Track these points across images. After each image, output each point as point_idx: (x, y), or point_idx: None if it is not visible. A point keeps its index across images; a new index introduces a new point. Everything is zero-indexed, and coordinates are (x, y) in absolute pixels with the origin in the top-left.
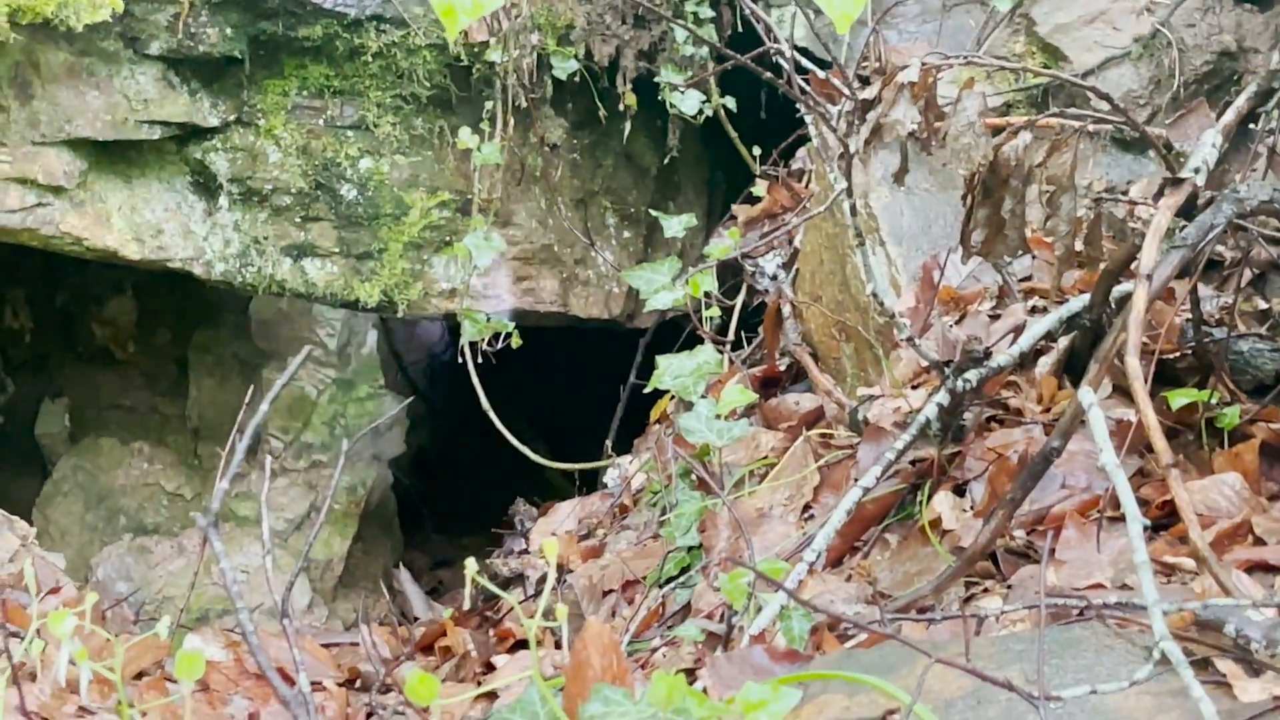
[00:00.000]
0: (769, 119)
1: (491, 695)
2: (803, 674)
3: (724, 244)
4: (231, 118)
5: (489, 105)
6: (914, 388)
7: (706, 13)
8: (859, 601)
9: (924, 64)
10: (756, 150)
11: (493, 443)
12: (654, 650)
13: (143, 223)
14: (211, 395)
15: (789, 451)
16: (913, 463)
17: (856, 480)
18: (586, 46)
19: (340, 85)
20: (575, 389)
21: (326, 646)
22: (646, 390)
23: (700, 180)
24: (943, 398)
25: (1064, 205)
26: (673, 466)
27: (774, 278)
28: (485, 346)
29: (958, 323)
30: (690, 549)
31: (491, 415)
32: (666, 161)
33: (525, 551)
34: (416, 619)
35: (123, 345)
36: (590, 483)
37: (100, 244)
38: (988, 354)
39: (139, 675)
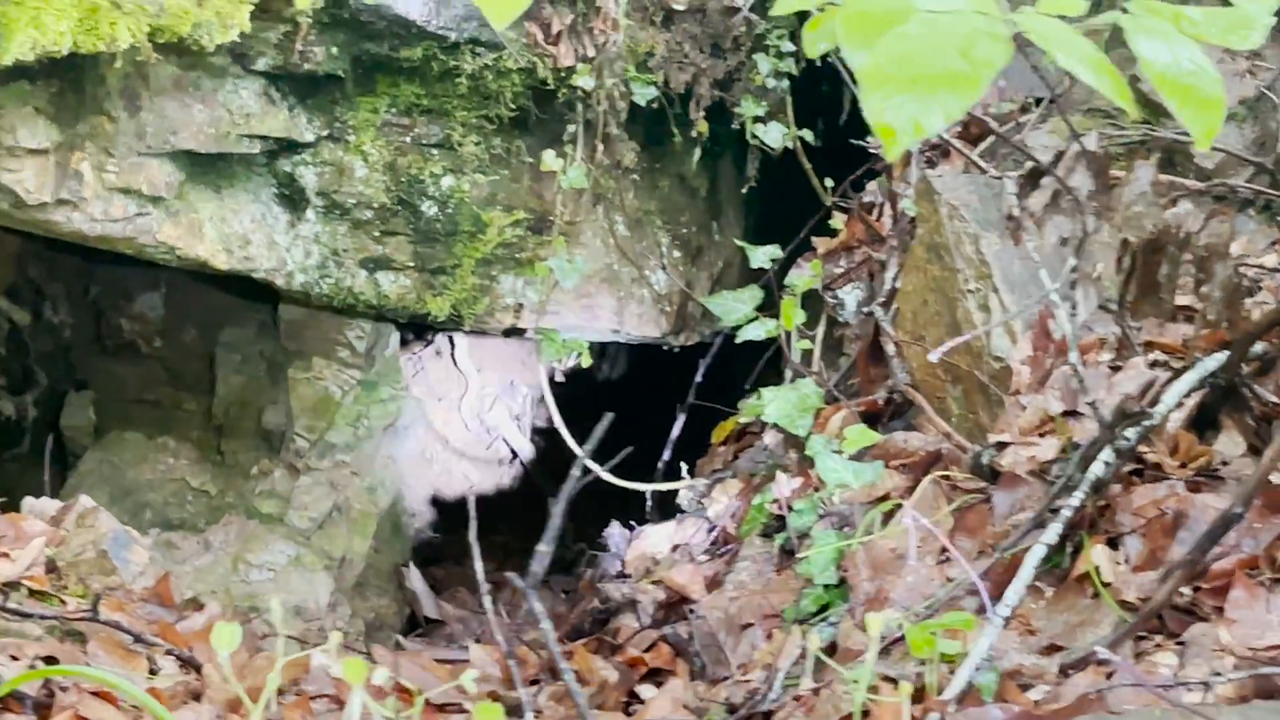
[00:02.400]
0: (824, 149)
1: None
2: None
3: (807, 275)
4: (324, 133)
5: (570, 129)
6: (1041, 436)
7: (788, 46)
8: (1032, 652)
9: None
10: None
11: None
12: (817, 689)
13: (231, 233)
14: (237, 393)
15: (917, 493)
16: (1053, 511)
17: (992, 523)
18: (665, 74)
19: (429, 104)
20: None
21: (442, 663)
22: (743, 419)
23: (739, 203)
24: (1108, 455)
25: (1218, 272)
26: (797, 503)
27: (868, 313)
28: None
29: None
30: (827, 587)
31: (565, 433)
32: (711, 185)
33: (624, 575)
34: (428, 619)
35: (149, 341)
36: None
37: (192, 254)
38: (1140, 413)
39: (280, 691)
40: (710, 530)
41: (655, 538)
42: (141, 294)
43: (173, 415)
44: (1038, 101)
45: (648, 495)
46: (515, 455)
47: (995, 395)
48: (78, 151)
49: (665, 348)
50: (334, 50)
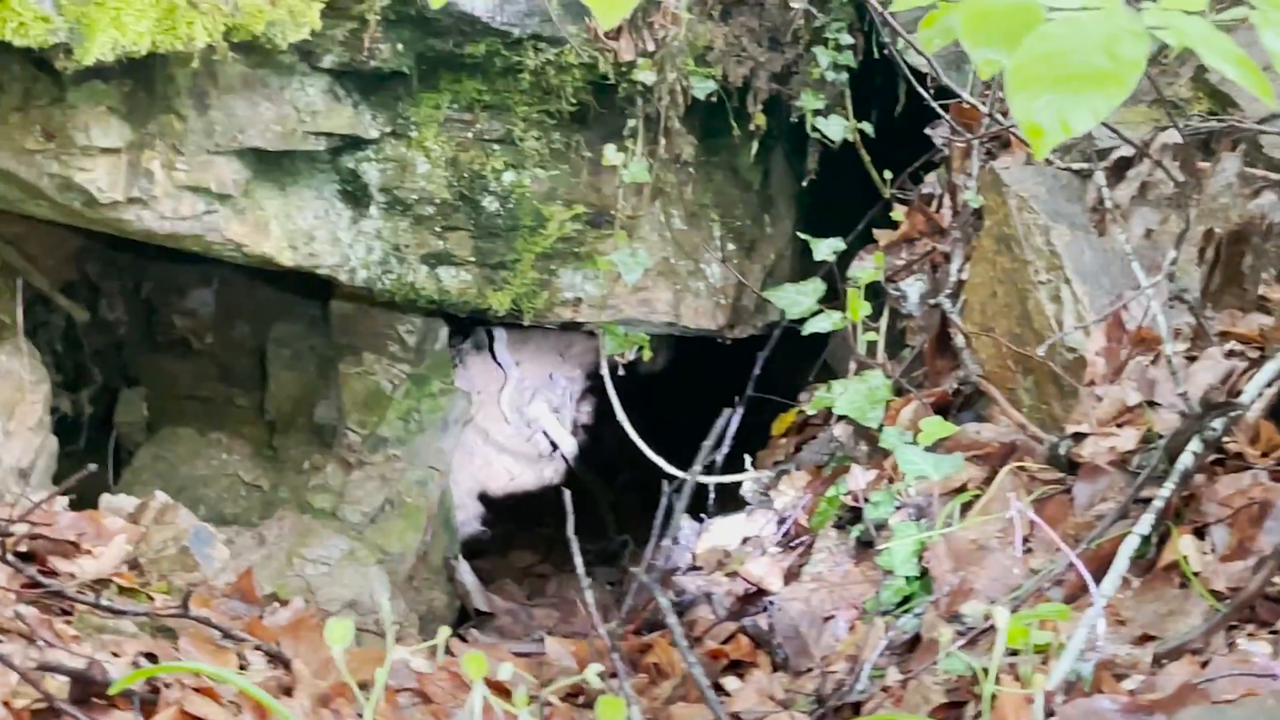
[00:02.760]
0: (879, 141)
1: (734, 717)
2: None
3: (869, 268)
4: (388, 129)
5: (630, 123)
6: (1119, 426)
7: (846, 39)
8: (1124, 642)
9: None
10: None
11: None
12: (905, 681)
13: (296, 230)
14: (288, 388)
15: (995, 484)
16: (1140, 501)
17: (1073, 514)
18: (723, 68)
19: (490, 100)
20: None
21: (520, 655)
22: (811, 410)
23: (789, 195)
24: (1196, 445)
25: None
26: (874, 495)
27: (935, 305)
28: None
29: (1152, 363)
30: (908, 578)
31: (627, 426)
32: (763, 177)
33: (695, 567)
34: (478, 611)
35: (201, 337)
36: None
37: (258, 250)
38: (1227, 403)
39: (362, 687)
40: (780, 522)
41: (725, 530)
42: (193, 290)
43: (225, 411)
44: None
45: (710, 488)
46: (555, 448)
47: (1069, 386)
48: (148, 150)
49: (720, 340)
50: (400, 47)
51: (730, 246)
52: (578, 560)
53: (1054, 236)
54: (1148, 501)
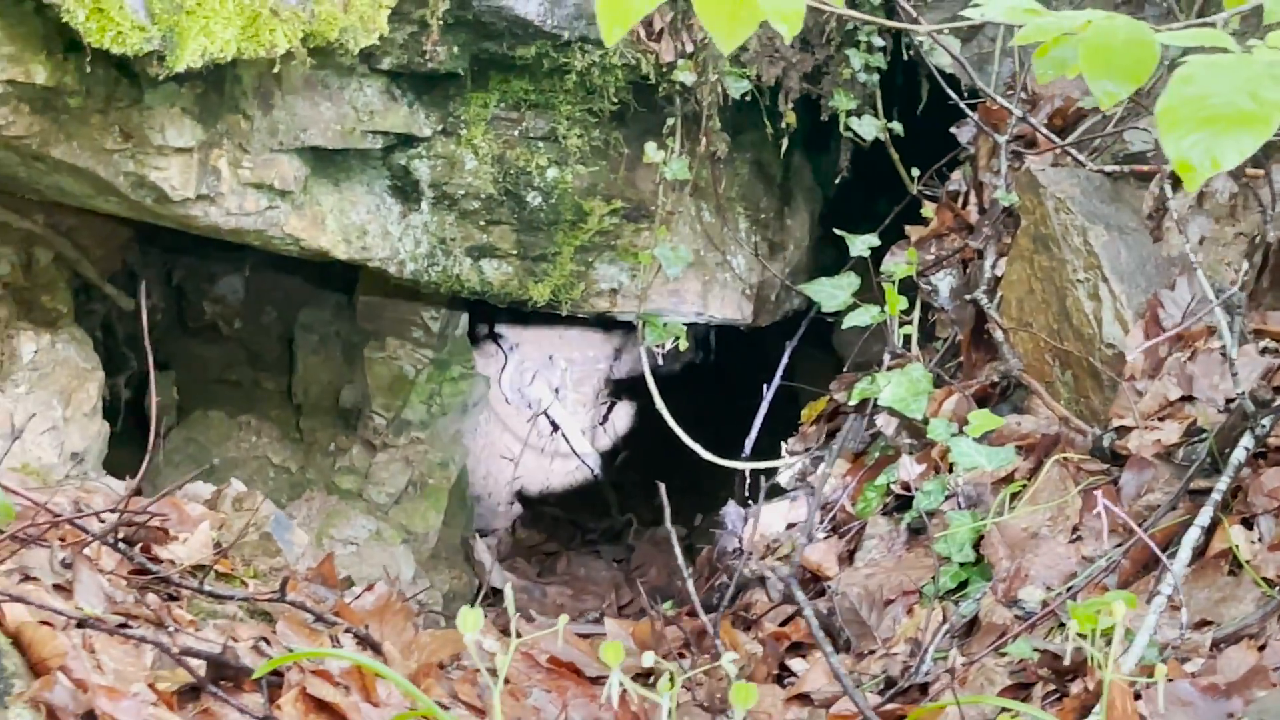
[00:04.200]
0: (900, 139)
1: (803, 698)
2: None
3: (902, 263)
4: (439, 128)
5: (669, 121)
6: (1161, 420)
7: (878, 41)
8: (1182, 627)
9: None
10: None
11: None
12: (968, 663)
13: (350, 224)
14: (315, 372)
15: (1043, 474)
16: (1191, 493)
17: (1120, 504)
18: (756, 68)
19: (536, 99)
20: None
21: (582, 637)
22: (852, 401)
23: (807, 188)
24: (1248, 440)
25: None
26: (926, 484)
27: (971, 300)
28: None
29: (1189, 359)
30: (963, 564)
31: (666, 414)
32: (784, 172)
33: (741, 551)
34: (494, 589)
35: (230, 322)
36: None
37: (315, 244)
38: (1273, 400)
39: (440, 667)
40: (824, 508)
41: (771, 516)
42: (223, 278)
43: (253, 394)
44: None
45: (747, 474)
46: (556, 428)
47: (1107, 380)
48: (217, 149)
49: (744, 329)
50: (455, 50)
51: (755, 239)
52: (677, 551)
53: (1091, 237)
54: (1196, 493)
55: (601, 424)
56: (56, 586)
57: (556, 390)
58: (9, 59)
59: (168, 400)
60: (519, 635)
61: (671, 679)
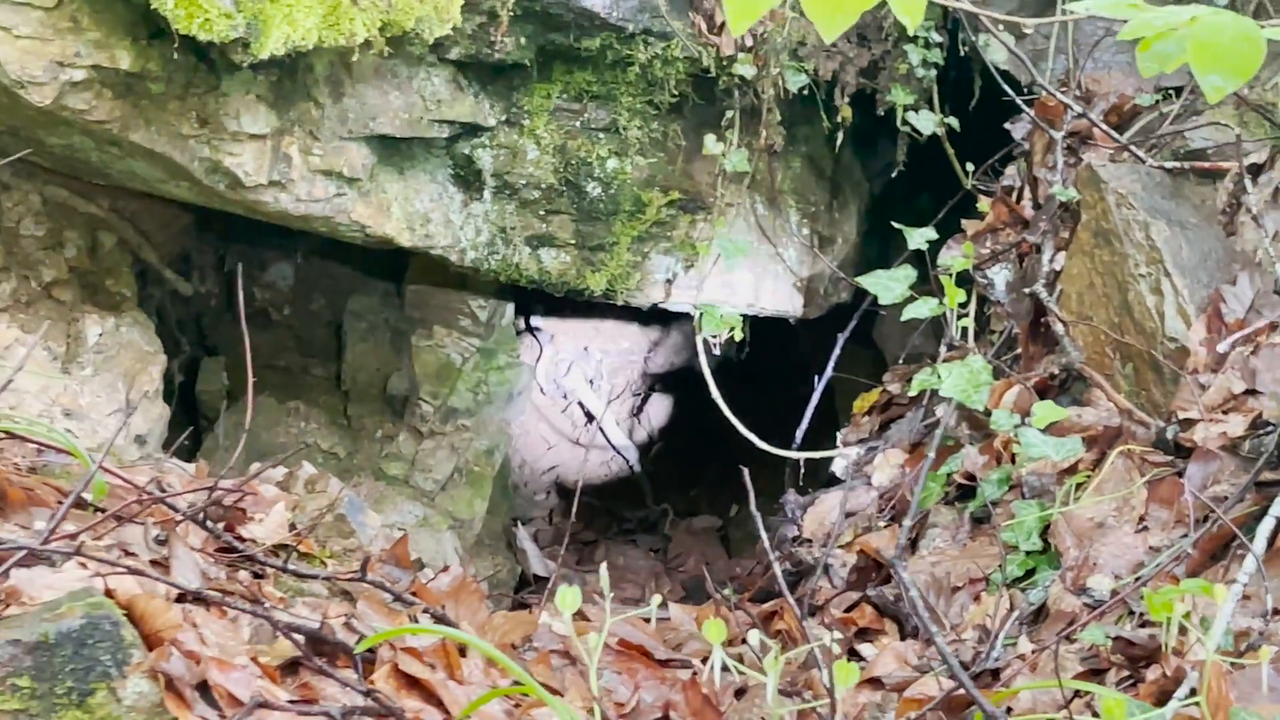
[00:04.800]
0: (953, 134)
1: (875, 682)
2: None
3: (959, 256)
4: (503, 118)
5: (728, 114)
6: (1225, 413)
7: (936, 37)
8: (1255, 615)
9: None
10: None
11: None
12: (1038, 650)
13: (414, 212)
14: (363, 359)
15: (1107, 465)
16: (1260, 485)
17: (1186, 495)
18: (814, 63)
19: (598, 90)
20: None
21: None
22: (912, 392)
23: (855, 183)
24: None
25: None
26: (991, 474)
27: (1030, 293)
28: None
29: (1253, 353)
30: (1030, 553)
31: (721, 403)
32: (834, 166)
33: (801, 540)
34: (536, 576)
35: (279, 309)
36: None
37: (380, 232)
38: None
39: (513, 647)
40: (883, 497)
41: (829, 504)
42: (273, 264)
43: (301, 380)
44: (1177, 91)
45: (801, 463)
46: (591, 419)
47: (1169, 374)
48: (288, 136)
49: (792, 321)
50: (523, 41)
51: (805, 231)
52: (764, 536)
53: (1153, 232)
54: (1264, 485)
55: (636, 415)
56: (153, 562)
57: (591, 381)
58: (95, 45)
59: (218, 386)
60: (586, 620)
61: (776, 656)
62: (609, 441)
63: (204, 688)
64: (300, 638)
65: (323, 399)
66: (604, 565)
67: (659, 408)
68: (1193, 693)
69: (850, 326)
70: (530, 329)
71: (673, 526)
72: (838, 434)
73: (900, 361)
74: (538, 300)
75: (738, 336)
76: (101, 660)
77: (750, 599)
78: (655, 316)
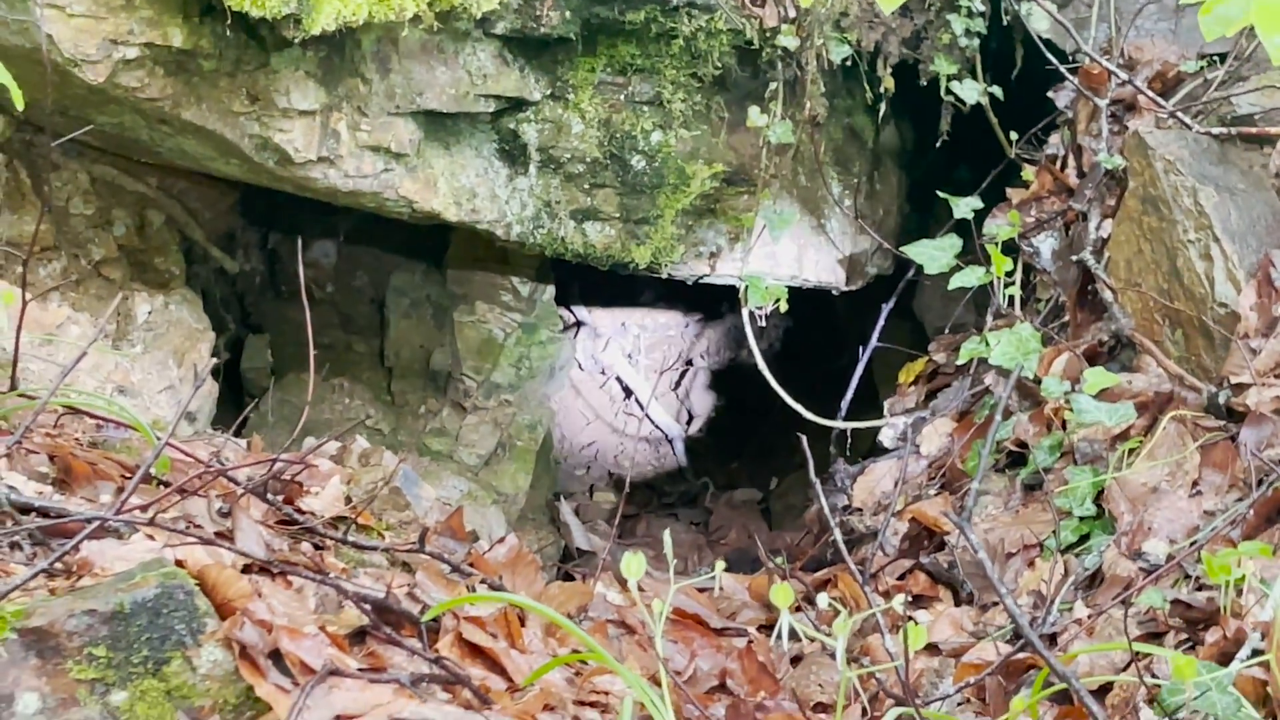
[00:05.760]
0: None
1: (932, 648)
2: None
3: (1004, 225)
4: (548, 92)
5: (772, 86)
6: (1277, 377)
7: (979, 6)
8: None
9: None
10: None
11: None
12: (1094, 614)
13: (460, 187)
14: (406, 335)
15: (1159, 430)
16: None
17: (1240, 459)
18: (857, 33)
19: (642, 63)
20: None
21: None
22: (960, 361)
23: (895, 153)
24: None
25: None
26: (1043, 440)
27: (1077, 261)
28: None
29: None
30: (1083, 518)
31: (768, 375)
32: (875, 136)
33: (851, 509)
34: (580, 550)
35: (322, 286)
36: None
37: (427, 207)
38: None
39: (569, 617)
40: (932, 465)
41: (879, 473)
42: (316, 241)
43: (345, 357)
44: (1220, 58)
45: (848, 433)
46: (629, 394)
47: (1220, 339)
48: (337, 112)
49: (835, 293)
50: (568, 14)
51: (846, 203)
52: (824, 503)
53: (1202, 198)
54: None
55: (674, 389)
56: (218, 534)
57: (629, 355)
58: (148, 22)
59: (263, 363)
60: (641, 590)
61: (845, 620)
62: (648, 416)
63: (276, 656)
64: (368, 606)
65: (366, 375)
66: (667, 533)
67: (699, 383)
68: (1255, 653)
69: (894, 297)
70: (564, 301)
71: (713, 500)
72: (884, 404)
73: (944, 332)
74: (575, 286)
75: (783, 308)
76: (176, 629)
77: (800, 568)
78: (699, 304)
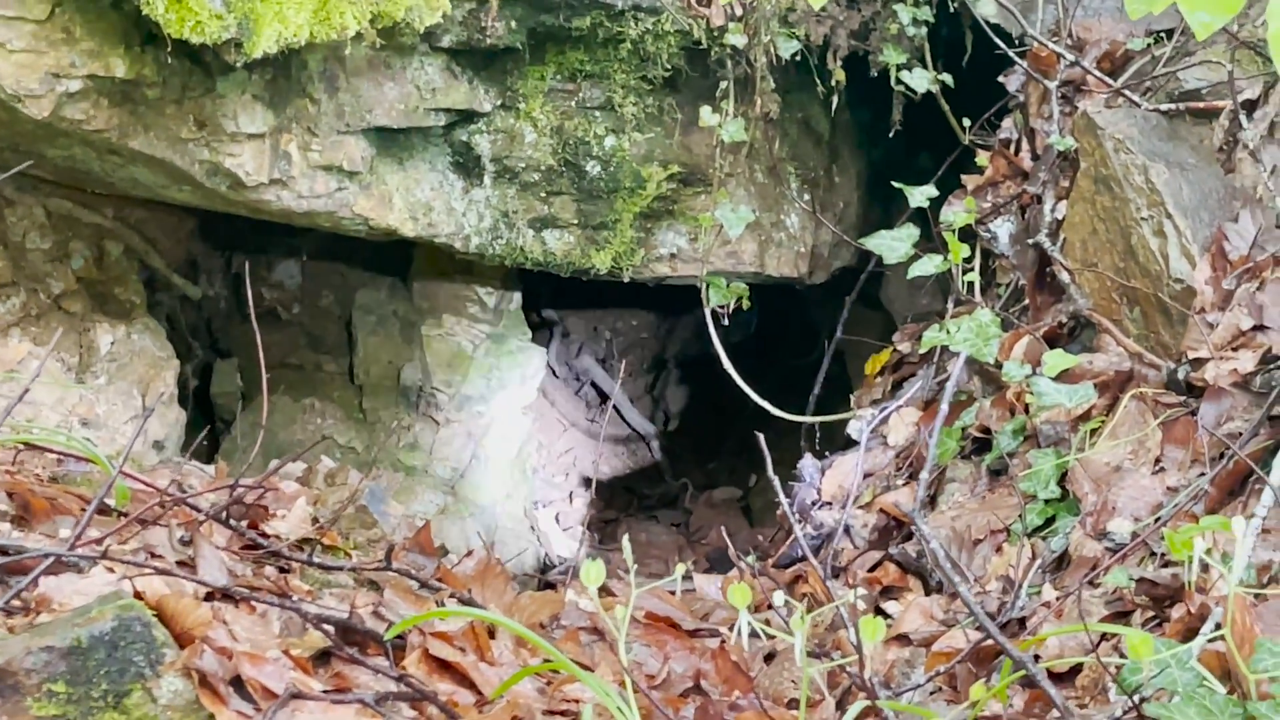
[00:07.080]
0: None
1: (903, 638)
2: None
3: (961, 211)
4: (499, 103)
5: (722, 85)
6: (1234, 350)
7: None
8: (1276, 549)
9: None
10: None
11: None
12: (1062, 596)
13: (416, 202)
14: (374, 352)
15: (1120, 409)
16: (1270, 420)
17: (1200, 434)
18: (805, 28)
19: (591, 69)
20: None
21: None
22: (923, 350)
23: (852, 145)
24: None
25: None
26: (1005, 425)
27: (1034, 244)
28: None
29: (1259, 289)
30: (1048, 501)
31: (733, 373)
32: (830, 129)
33: (820, 503)
34: (560, 557)
35: (288, 307)
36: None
37: (383, 223)
38: None
39: (541, 626)
40: (899, 455)
41: (846, 467)
42: (280, 263)
43: (315, 377)
44: (1168, 34)
45: (816, 428)
46: (604, 398)
47: (1177, 315)
48: (286, 134)
49: (798, 288)
50: (513, 24)
51: (805, 197)
52: (783, 499)
53: (1153, 174)
54: (1277, 419)
55: (649, 392)
56: (180, 563)
57: (603, 361)
58: (89, 54)
59: (233, 388)
60: (612, 595)
61: (802, 616)
62: (624, 420)
63: (238, 682)
64: (330, 628)
65: (337, 394)
66: (626, 538)
67: (673, 380)
68: (1217, 627)
69: (856, 289)
70: (542, 320)
71: (693, 500)
72: (851, 397)
73: (909, 321)
74: (545, 289)
75: (745, 305)
76: (135, 661)
77: (774, 565)
78: (672, 306)
